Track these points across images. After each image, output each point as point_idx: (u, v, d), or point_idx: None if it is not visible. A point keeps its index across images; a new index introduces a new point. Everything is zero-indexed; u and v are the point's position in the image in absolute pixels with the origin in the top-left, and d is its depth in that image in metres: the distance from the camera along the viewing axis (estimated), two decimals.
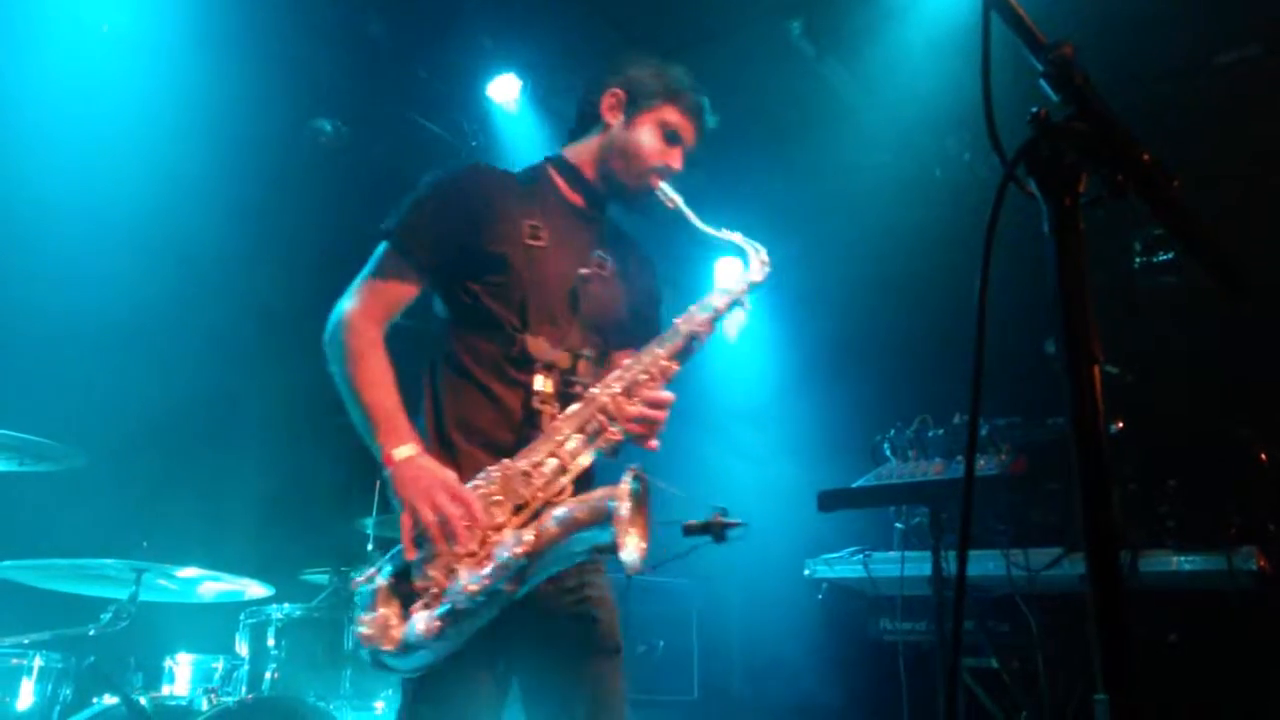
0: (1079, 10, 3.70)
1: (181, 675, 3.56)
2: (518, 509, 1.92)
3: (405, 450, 1.95)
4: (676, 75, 2.27)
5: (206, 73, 4.11)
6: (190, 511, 4.08)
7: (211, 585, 3.41)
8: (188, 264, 4.21)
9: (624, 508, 1.81)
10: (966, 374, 1.16)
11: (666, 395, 2.07)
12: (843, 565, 3.81)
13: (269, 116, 4.47)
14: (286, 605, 3.60)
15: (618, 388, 2.02)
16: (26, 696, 3.11)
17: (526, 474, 1.94)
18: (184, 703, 3.44)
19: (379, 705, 3.58)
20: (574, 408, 2.02)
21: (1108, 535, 1.03)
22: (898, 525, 3.69)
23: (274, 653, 3.54)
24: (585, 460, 1.99)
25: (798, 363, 5.76)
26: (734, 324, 7.11)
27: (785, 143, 5.40)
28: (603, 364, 2.18)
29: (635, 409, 2.02)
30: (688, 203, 2.26)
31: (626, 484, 1.84)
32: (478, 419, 2.06)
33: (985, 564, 3.35)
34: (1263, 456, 3.10)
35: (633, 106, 2.24)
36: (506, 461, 1.96)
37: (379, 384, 2.02)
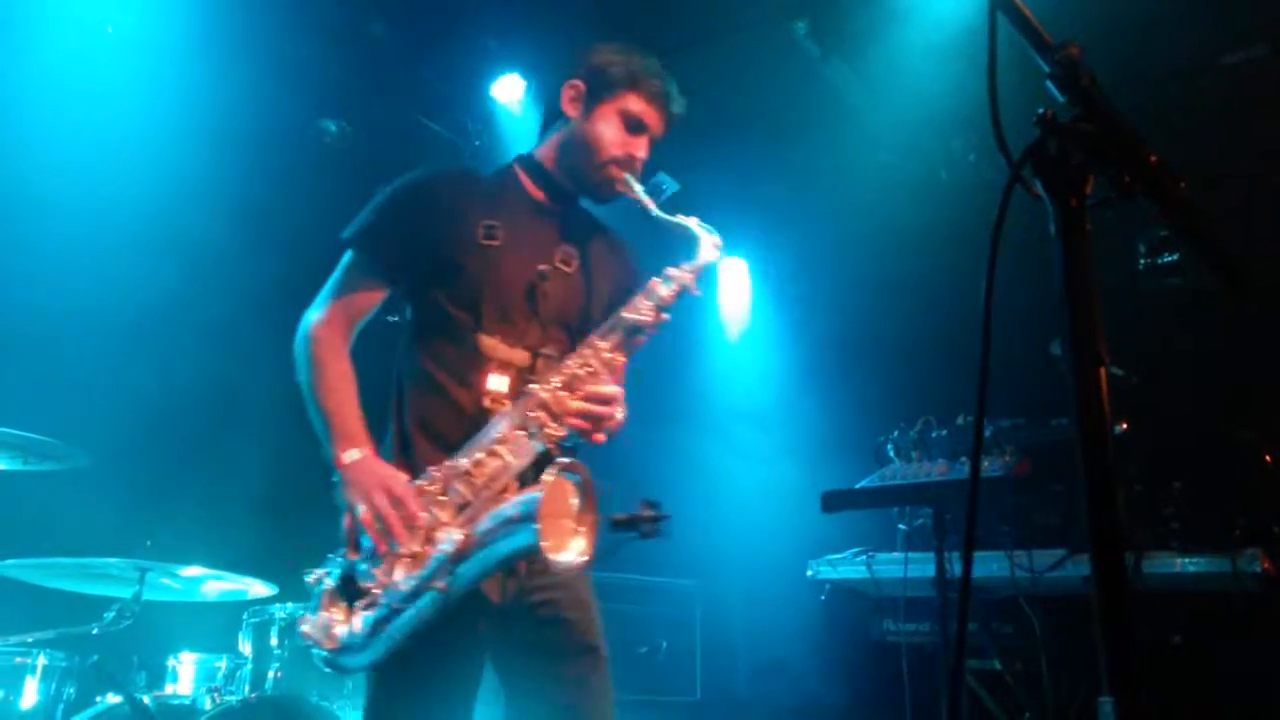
0: (1085, 11, 3.69)
1: (185, 674, 3.57)
2: (461, 508, 1.92)
3: (353, 454, 1.99)
4: (638, 62, 2.21)
5: (211, 74, 4.12)
6: (194, 511, 4.08)
7: (215, 584, 3.41)
8: (192, 264, 4.22)
9: (546, 505, 1.79)
10: (971, 375, 1.16)
11: (609, 390, 2.01)
12: (846, 566, 3.81)
13: (273, 117, 4.47)
14: (290, 604, 3.60)
15: (557, 382, 1.99)
16: (30, 695, 3.11)
17: (469, 473, 1.95)
18: (187, 702, 3.44)
19: None
20: (513, 405, 2.00)
21: (1112, 537, 1.03)
22: (901, 526, 3.68)
23: (277, 652, 3.54)
24: (526, 458, 1.96)
25: (802, 363, 5.76)
26: (736, 325, 7.09)
27: (789, 143, 5.40)
28: None
29: (577, 404, 1.98)
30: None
31: (555, 480, 1.83)
32: (436, 420, 2.07)
33: (989, 565, 3.34)
34: (1267, 458, 3.09)
35: (593, 97, 2.20)
36: (448, 461, 1.97)
37: (335, 390, 2.08)
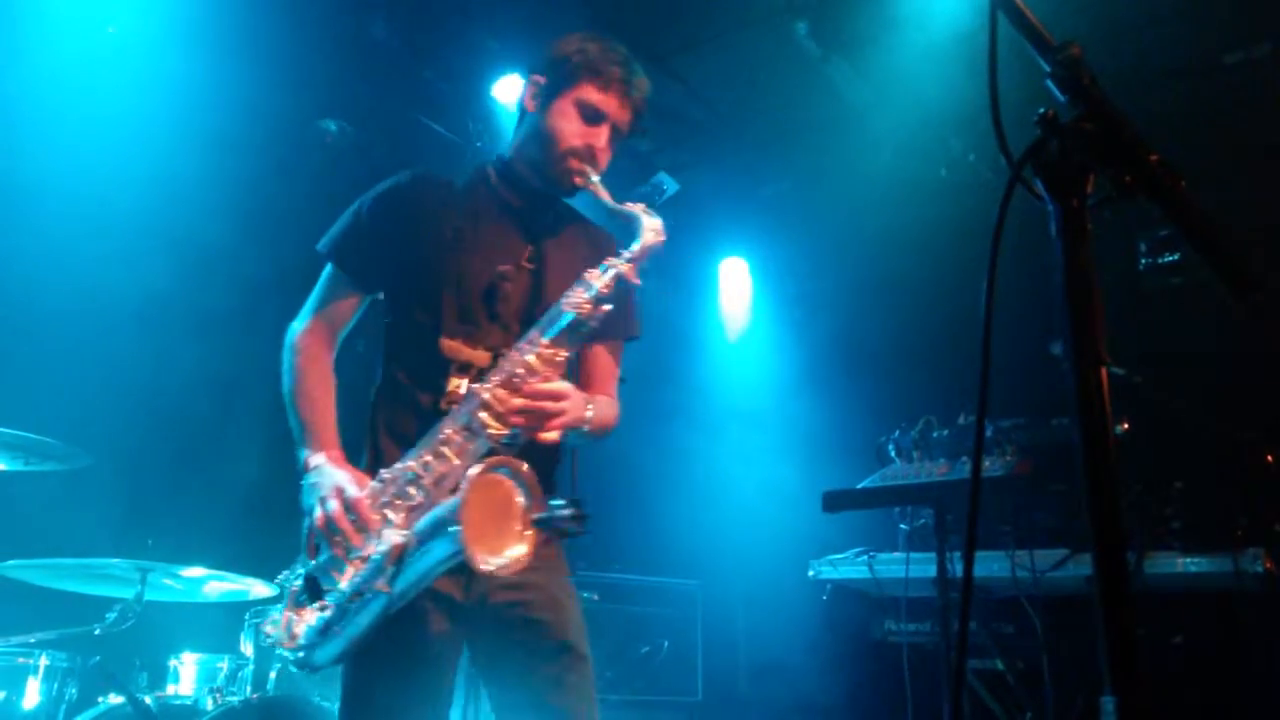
0: (1086, 10, 3.69)
1: (186, 675, 3.57)
2: (414, 510, 1.94)
3: (318, 458, 2.04)
4: (594, 50, 2.17)
5: (211, 74, 4.12)
6: (195, 511, 4.08)
7: (217, 585, 3.41)
8: (194, 264, 4.22)
9: (472, 507, 1.78)
10: (971, 375, 1.16)
11: (551, 387, 1.97)
12: (847, 566, 3.81)
13: (274, 117, 4.47)
14: None
15: (496, 380, 1.97)
16: (32, 695, 3.12)
17: (418, 476, 1.96)
18: (189, 702, 3.44)
19: None
20: (458, 406, 2.00)
21: (1113, 537, 1.03)
22: (902, 526, 3.69)
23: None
24: (470, 458, 1.94)
25: (803, 363, 5.77)
26: (736, 324, 7.08)
27: (790, 143, 5.40)
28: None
29: (520, 402, 1.95)
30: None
31: (479, 478, 1.81)
32: (402, 425, 2.08)
33: (990, 565, 3.34)
34: (1269, 458, 3.09)
35: (550, 90, 2.18)
36: (398, 465, 1.98)
37: (309, 397, 2.14)
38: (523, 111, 2.25)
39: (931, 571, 3.23)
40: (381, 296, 2.25)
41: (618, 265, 2.02)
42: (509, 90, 4.87)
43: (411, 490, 1.95)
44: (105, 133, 3.93)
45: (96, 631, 3.18)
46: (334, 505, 1.93)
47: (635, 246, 2.04)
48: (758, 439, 5.60)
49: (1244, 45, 4.41)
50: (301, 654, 1.99)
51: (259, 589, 3.52)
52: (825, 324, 5.82)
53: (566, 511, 1.83)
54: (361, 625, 1.91)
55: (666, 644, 4.79)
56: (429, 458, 1.96)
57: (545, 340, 1.99)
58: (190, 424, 4.21)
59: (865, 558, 3.73)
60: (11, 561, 3.06)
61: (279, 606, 2.05)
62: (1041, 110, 1.11)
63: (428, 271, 2.12)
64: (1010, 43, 1.17)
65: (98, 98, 3.95)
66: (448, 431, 1.97)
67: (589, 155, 2.14)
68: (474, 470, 1.80)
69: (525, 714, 2.04)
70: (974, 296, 1.16)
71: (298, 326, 2.23)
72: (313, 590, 2.00)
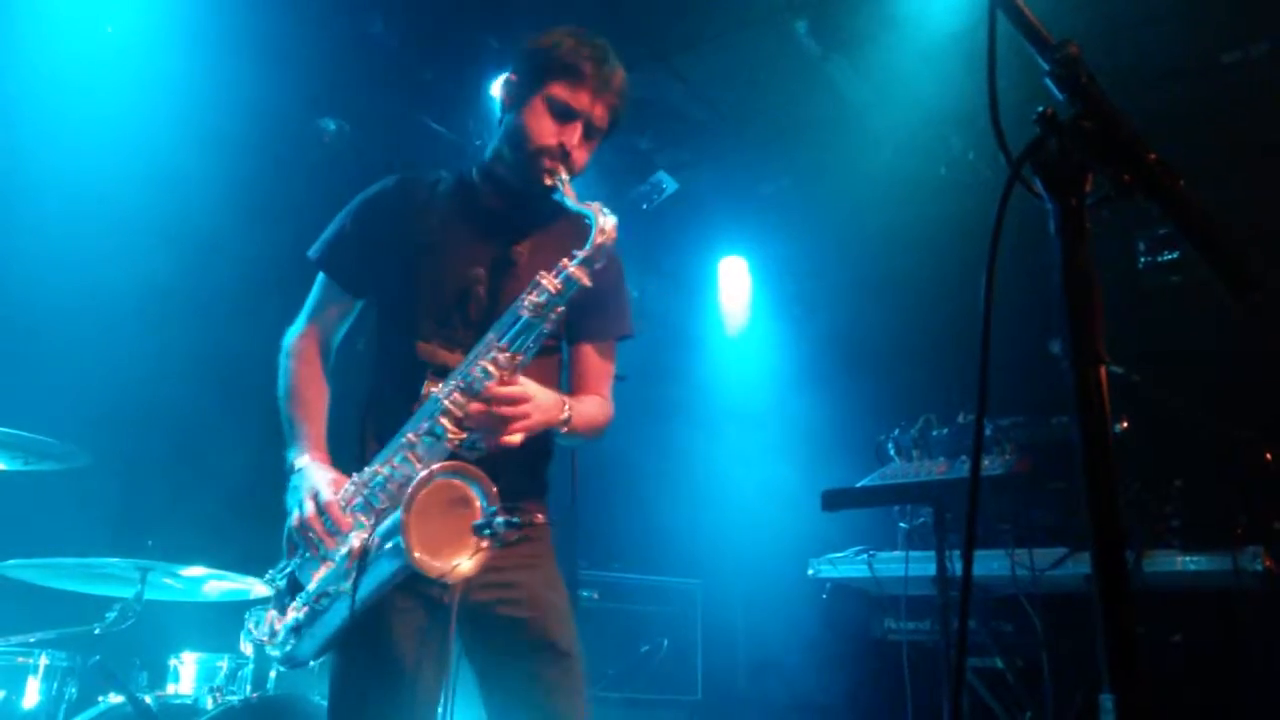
0: (1084, 8, 3.69)
1: (186, 674, 3.56)
2: (381, 513, 1.96)
3: (301, 460, 2.10)
4: (566, 46, 2.14)
5: (210, 72, 4.12)
6: (195, 510, 4.08)
7: (216, 584, 3.41)
8: (193, 264, 4.21)
9: (410, 517, 1.81)
10: (971, 373, 1.15)
11: (509, 390, 1.95)
12: (847, 565, 3.81)
13: (273, 115, 4.47)
14: None
15: (455, 384, 1.98)
16: (32, 695, 3.12)
17: (386, 480, 1.98)
18: (189, 701, 3.44)
19: None
20: (420, 410, 2.01)
21: (1112, 535, 1.03)
22: (902, 525, 3.69)
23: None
24: (430, 463, 1.94)
25: (802, 361, 5.77)
26: (735, 323, 7.07)
27: (789, 141, 5.40)
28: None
29: (477, 406, 1.95)
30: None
31: (429, 484, 1.84)
32: (384, 426, 2.10)
33: (990, 564, 3.34)
34: (1268, 456, 3.09)
35: (523, 88, 2.17)
36: (368, 469, 2.01)
37: (300, 400, 2.20)
38: (502, 110, 2.24)
39: (931, 570, 3.23)
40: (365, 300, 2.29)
41: (568, 266, 1.99)
42: None
43: (380, 494, 1.98)
44: (104, 132, 3.93)
45: (96, 631, 3.18)
46: (309, 507, 1.98)
47: (587, 247, 2.01)
48: (757, 438, 5.61)
49: (1242, 44, 4.41)
50: (278, 651, 2.05)
51: (259, 588, 3.51)
52: (825, 322, 5.82)
53: (501, 519, 1.83)
54: (330, 625, 1.97)
55: (666, 642, 4.79)
56: (396, 461, 1.99)
57: (502, 343, 1.99)
58: (190, 423, 4.21)
59: (865, 556, 3.73)
60: (11, 561, 3.06)
61: (267, 605, 2.11)
62: (1040, 109, 1.11)
63: (404, 277, 2.16)
64: (1009, 41, 1.17)
65: (97, 97, 3.95)
66: (410, 435, 1.99)
67: (561, 154, 2.12)
68: (421, 475, 1.84)
69: (509, 712, 2.07)
70: (973, 295, 1.16)
71: (293, 331, 2.29)
72: (294, 589, 2.05)
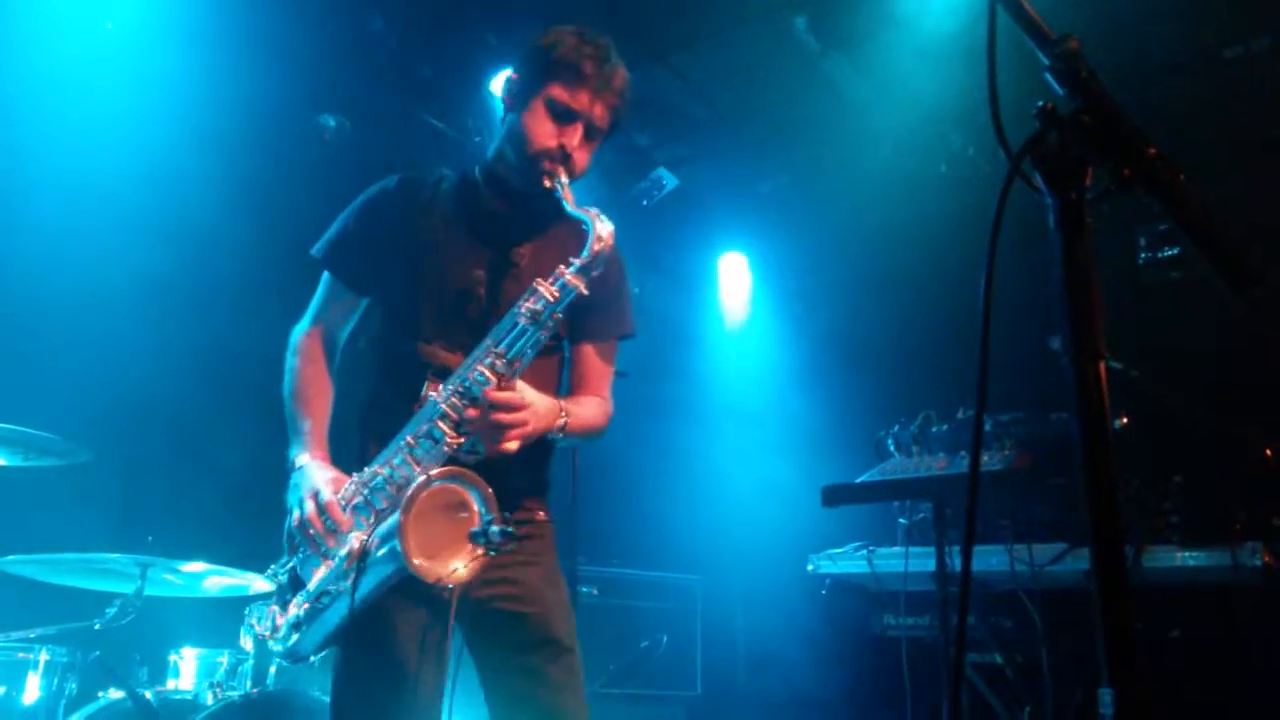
0: (1084, 4, 3.69)
1: (186, 670, 3.57)
2: (380, 514, 1.97)
3: (303, 458, 2.11)
4: (566, 46, 2.12)
5: (210, 70, 4.11)
6: (195, 506, 4.09)
7: (216, 580, 3.41)
8: (193, 260, 4.22)
9: (415, 519, 1.82)
10: (970, 369, 1.16)
11: (507, 396, 1.94)
12: (846, 560, 3.81)
13: (273, 112, 4.47)
14: None
15: (453, 387, 1.98)
16: (32, 691, 3.12)
17: (386, 481, 1.99)
18: (189, 697, 3.44)
19: None
20: (419, 413, 2.02)
21: (1112, 531, 1.03)
22: (901, 520, 3.69)
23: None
24: (429, 466, 1.94)
25: (801, 358, 5.77)
26: (735, 319, 7.08)
27: (789, 138, 5.40)
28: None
29: (473, 412, 1.95)
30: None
31: (427, 490, 1.85)
32: (384, 426, 2.10)
33: (989, 559, 3.34)
34: (1268, 452, 3.09)
35: (523, 89, 2.16)
36: (368, 469, 2.02)
37: (303, 398, 2.21)
38: (504, 109, 2.24)
39: (930, 566, 3.23)
40: (370, 298, 2.29)
41: (565, 274, 1.99)
42: None
43: (381, 495, 1.99)
44: (104, 129, 3.93)
45: (96, 626, 3.18)
46: (309, 506, 1.99)
47: (584, 254, 2.00)
48: (757, 434, 5.61)
49: (1243, 40, 4.40)
50: (280, 646, 2.06)
51: (259, 584, 3.52)
52: (824, 319, 5.82)
53: (496, 529, 1.84)
54: (330, 623, 1.98)
55: (666, 638, 4.80)
56: (395, 463, 1.99)
57: (499, 349, 1.99)
58: (190, 420, 4.21)
59: (864, 552, 3.73)
60: (11, 557, 3.06)
61: (269, 600, 2.13)
62: (1040, 103, 1.11)
63: (406, 277, 2.16)
64: (1009, 37, 1.17)
65: (96, 94, 3.95)
66: (409, 438, 2.00)
67: (561, 155, 2.10)
68: (420, 479, 1.85)
69: (511, 707, 2.07)
70: (973, 291, 1.16)
71: (299, 329, 2.29)
72: (296, 585, 2.06)
